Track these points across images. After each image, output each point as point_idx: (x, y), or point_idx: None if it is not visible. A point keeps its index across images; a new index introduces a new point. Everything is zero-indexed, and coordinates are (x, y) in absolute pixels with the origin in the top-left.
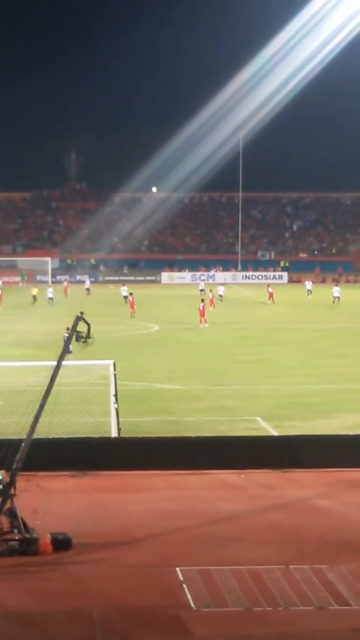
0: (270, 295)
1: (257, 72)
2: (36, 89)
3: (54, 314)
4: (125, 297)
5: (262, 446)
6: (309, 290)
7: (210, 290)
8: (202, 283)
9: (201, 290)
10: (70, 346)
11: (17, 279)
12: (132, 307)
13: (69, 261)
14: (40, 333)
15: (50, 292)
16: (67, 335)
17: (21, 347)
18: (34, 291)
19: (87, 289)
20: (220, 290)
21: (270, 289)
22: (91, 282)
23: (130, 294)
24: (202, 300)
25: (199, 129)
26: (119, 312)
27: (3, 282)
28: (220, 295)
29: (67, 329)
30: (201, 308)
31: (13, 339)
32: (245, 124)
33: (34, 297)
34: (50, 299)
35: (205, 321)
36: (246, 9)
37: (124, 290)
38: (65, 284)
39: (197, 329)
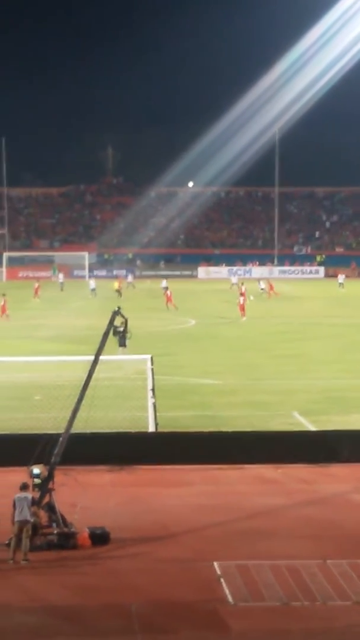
0: (271, 288)
1: (292, 65)
2: (72, 84)
3: (92, 308)
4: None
5: (299, 441)
6: (340, 283)
7: (242, 283)
8: (235, 277)
9: (234, 284)
10: (127, 341)
11: (49, 273)
12: (169, 300)
13: (105, 256)
14: (78, 328)
15: (92, 284)
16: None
17: (58, 342)
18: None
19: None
20: (261, 284)
21: (265, 284)
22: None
23: (167, 288)
24: (242, 294)
25: (235, 123)
26: (155, 307)
27: (38, 277)
28: (262, 289)
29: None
30: (241, 302)
31: (50, 333)
32: (280, 117)
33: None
34: (93, 289)
35: (244, 315)
36: (283, 1)
37: (164, 283)
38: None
39: (233, 323)
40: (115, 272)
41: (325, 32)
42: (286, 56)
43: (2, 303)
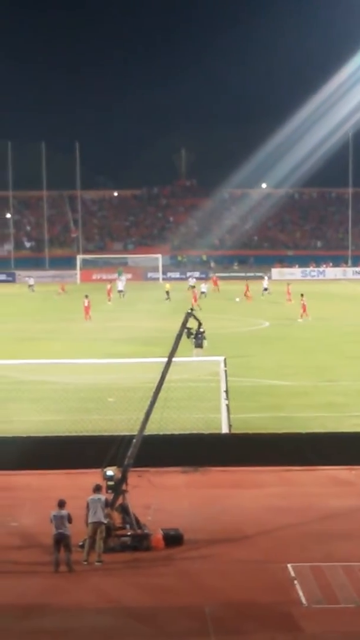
0: (288, 293)
1: None
2: (144, 87)
3: (165, 311)
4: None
5: None
6: None
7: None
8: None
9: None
10: (205, 341)
11: (116, 275)
12: (195, 299)
13: (179, 258)
14: (150, 329)
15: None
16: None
17: (132, 344)
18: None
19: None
20: (265, 284)
21: (289, 287)
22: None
23: (193, 287)
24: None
25: (307, 124)
26: (229, 308)
27: (111, 280)
28: (266, 289)
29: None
30: (304, 303)
31: (124, 335)
32: (352, 117)
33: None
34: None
35: (306, 315)
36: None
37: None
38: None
39: (306, 324)
40: (169, 275)
41: None
42: (358, 55)
43: (86, 304)
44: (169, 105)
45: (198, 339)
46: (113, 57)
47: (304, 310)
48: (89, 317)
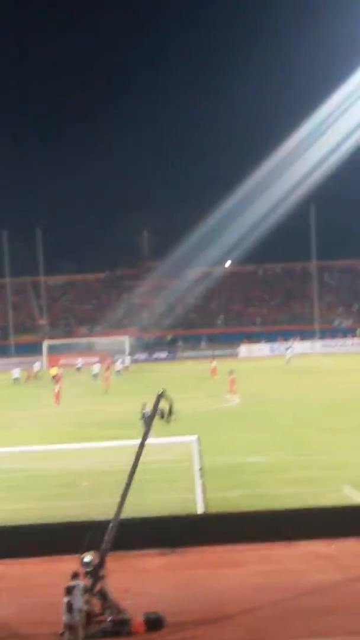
0: (213, 370)
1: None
2: (106, 171)
3: (134, 392)
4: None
5: (353, 514)
6: None
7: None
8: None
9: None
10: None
11: (95, 359)
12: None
13: (145, 339)
14: (123, 412)
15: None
16: (144, 412)
17: (103, 428)
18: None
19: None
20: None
21: (213, 364)
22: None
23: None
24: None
25: (269, 198)
26: (199, 387)
27: (82, 365)
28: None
29: (144, 405)
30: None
31: (96, 419)
32: (312, 188)
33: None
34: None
35: (233, 392)
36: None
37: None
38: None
39: (279, 400)
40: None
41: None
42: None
43: (56, 390)
44: (128, 188)
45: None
46: (71, 139)
47: (232, 387)
48: (58, 402)
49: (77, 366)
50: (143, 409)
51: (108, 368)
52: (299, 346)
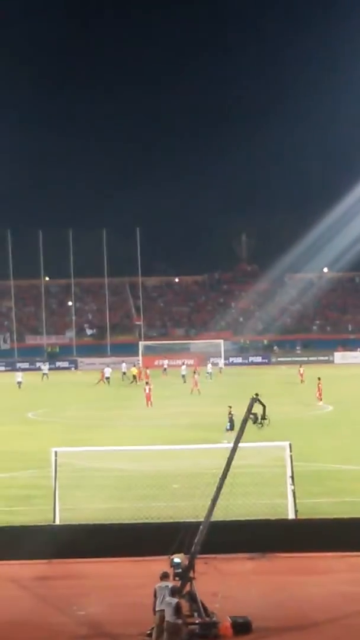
0: (301, 375)
1: None
2: (203, 175)
3: (226, 395)
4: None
5: None
6: None
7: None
8: (185, 367)
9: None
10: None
11: (190, 362)
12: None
13: (241, 342)
14: (214, 415)
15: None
16: (231, 415)
17: (195, 430)
18: (134, 371)
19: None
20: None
21: (301, 370)
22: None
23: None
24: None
25: None
26: (293, 393)
27: (168, 365)
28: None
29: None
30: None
31: (188, 421)
32: None
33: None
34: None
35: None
36: None
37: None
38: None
39: None
40: (231, 360)
41: None
42: None
43: (147, 391)
44: (228, 190)
45: (232, 422)
46: (174, 143)
47: (320, 394)
48: (150, 404)
49: (164, 367)
50: (229, 413)
51: (196, 371)
52: None
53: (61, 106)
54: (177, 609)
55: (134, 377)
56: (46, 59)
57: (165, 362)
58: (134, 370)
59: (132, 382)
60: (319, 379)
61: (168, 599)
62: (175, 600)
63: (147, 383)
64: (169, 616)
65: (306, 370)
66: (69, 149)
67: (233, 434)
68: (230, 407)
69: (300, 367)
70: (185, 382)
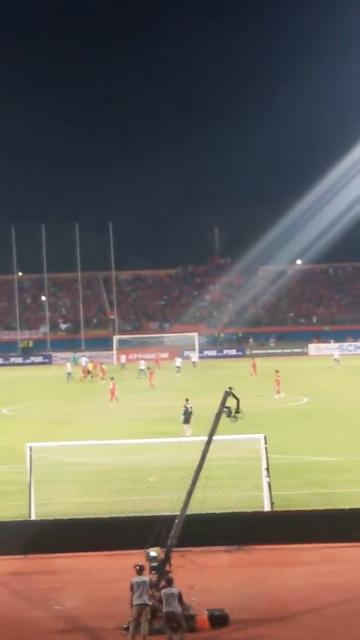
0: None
1: None
2: (178, 169)
3: (201, 389)
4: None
5: None
6: None
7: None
8: (143, 362)
9: (141, 369)
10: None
11: (165, 355)
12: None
13: (215, 335)
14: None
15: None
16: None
17: (167, 423)
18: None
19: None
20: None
21: (254, 362)
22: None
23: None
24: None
25: (341, 199)
26: (267, 386)
27: (146, 360)
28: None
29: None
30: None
31: (159, 415)
32: None
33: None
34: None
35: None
36: None
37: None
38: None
39: (347, 399)
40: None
41: None
42: None
43: (111, 387)
44: (200, 183)
45: (187, 415)
46: (145, 137)
47: (278, 386)
48: (114, 399)
49: (122, 362)
50: (185, 405)
51: (152, 366)
52: None
53: (28, 102)
54: (181, 598)
55: (89, 371)
56: None
57: (123, 357)
58: (90, 366)
59: (85, 377)
60: (277, 371)
61: (169, 589)
62: (176, 590)
63: (102, 379)
64: (174, 607)
65: (278, 363)
66: (40, 143)
67: (190, 427)
68: (187, 399)
69: (253, 359)
70: (143, 376)
